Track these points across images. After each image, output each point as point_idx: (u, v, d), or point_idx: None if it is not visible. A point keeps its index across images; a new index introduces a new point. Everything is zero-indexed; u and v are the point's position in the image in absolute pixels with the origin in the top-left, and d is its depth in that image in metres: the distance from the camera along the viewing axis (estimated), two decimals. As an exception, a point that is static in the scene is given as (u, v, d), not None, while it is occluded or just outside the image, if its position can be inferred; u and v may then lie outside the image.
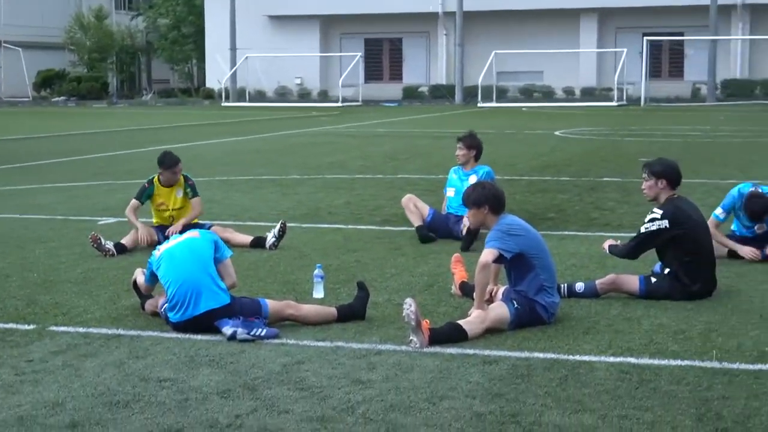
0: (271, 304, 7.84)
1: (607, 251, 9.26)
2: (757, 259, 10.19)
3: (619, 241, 9.32)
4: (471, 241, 11.18)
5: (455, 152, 12.32)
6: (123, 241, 11.14)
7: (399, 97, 58.88)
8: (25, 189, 17.06)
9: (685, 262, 8.61)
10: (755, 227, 10.49)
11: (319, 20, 62.38)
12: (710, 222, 9.81)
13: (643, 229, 8.79)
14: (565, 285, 8.72)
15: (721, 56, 54.27)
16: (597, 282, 8.79)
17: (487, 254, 7.74)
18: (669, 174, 8.82)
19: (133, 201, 11.60)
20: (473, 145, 12.22)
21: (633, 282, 8.73)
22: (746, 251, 10.26)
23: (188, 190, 11.70)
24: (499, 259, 7.81)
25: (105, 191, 16.72)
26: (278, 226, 11.30)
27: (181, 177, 11.67)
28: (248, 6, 60.62)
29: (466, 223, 11.47)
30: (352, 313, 7.99)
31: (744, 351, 7.11)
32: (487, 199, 7.98)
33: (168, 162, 11.55)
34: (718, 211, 10.47)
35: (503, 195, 8.08)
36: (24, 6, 69.81)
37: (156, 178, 11.67)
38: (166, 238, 10.50)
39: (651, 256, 9.21)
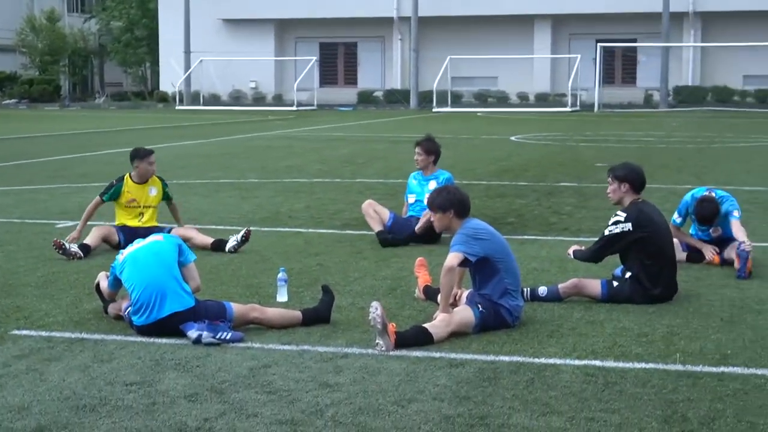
0: (236, 308, 7.82)
1: (572, 256, 9.33)
2: (716, 260, 10.30)
3: (583, 247, 9.40)
4: (405, 243, 11.45)
5: (414, 157, 12.32)
6: (86, 242, 11.08)
7: (354, 101, 58.91)
8: (-20, 192, 16.89)
9: (646, 265, 8.69)
10: (710, 230, 10.60)
11: (273, 24, 62.26)
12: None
13: (606, 232, 8.87)
14: (528, 289, 8.77)
15: (673, 63, 54.83)
16: (559, 286, 8.85)
17: (453, 258, 7.76)
18: (632, 178, 8.91)
19: (96, 198, 11.60)
20: (432, 149, 12.24)
21: (595, 286, 8.80)
22: (708, 250, 10.37)
23: (167, 190, 11.90)
24: (464, 263, 7.83)
25: (61, 194, 16.58)
26: (242, 232, 11.28)
27: (156, 177, 11.76)
28: (202, 9, 60.35)
29: (422, 222, 11.53)
30: (317, 316, 7.99)
31: (706, 354, 7.19)
32: (452, 203, 8.00)
33: (143, 152, 11.67)
34: (674, 215, 10.59)
35: (468, 199, 8.10)
36: (-25, 8, 69.11)
37: (127, 175, 11.65)
38: (130, 240, 10.50)
39: (612, 260, 9.30)
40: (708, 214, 10.33)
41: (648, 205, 8.99)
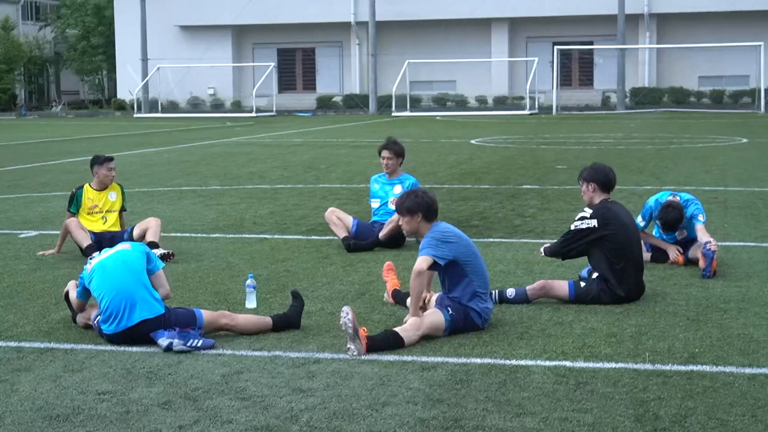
0: (206, 315, 7.81)
1: (543, 254, 9.42)
2: (680, 261, 10.39)
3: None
4: (370, 248, 11.46)
5: (382, 161, 12.26)
6: (87, 243, 11.17)
7: (313, 106, 58.89)
8: (-60, 203, 16.72)
9: (612, 264, 8.77)
10: (676, 234, 10.68)
11: (231, 30, 62.08)
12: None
13: (572, 227, 9.00)
14: (496, 291, 8.81)
15: (629, 65, 55.22)
16: (527, 288, 8.91)
17: (422, 262, 7.80)
18: (596, 177, 9.04)
19: (67, 214, 11.75)
20: (400, 152, 12.23)
21: (562, 287, 8.86)
22: (672, 250, 10.46)
23: (124, 198, 11.99)
24: (433, 266, 7.87)
25: (22, 204, 16.46)
26: (166, 251, 11.05)
27: (116, 184, 11.92)
28: (159, 16, 60.07)
29: (387, 230, 11.55)
30: (287, 322, 7.99)
31: (675, 353, 7.26)
32: (419, 206, 8.03)
33: (102, 158, 11.85)
34: (638, 219, 10.64)
35: (436, 202, 8.14)
36: (-72, 16, 68.37)
37: (87, 184, 11.84)
38: (99, 244, 10.59)
39: (579, 262, 9.39)
40: (672, 220, 10.38)
41: (616, 204, 9.11)
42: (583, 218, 8.91)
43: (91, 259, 8.13)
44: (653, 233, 10.88)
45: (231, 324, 7.85)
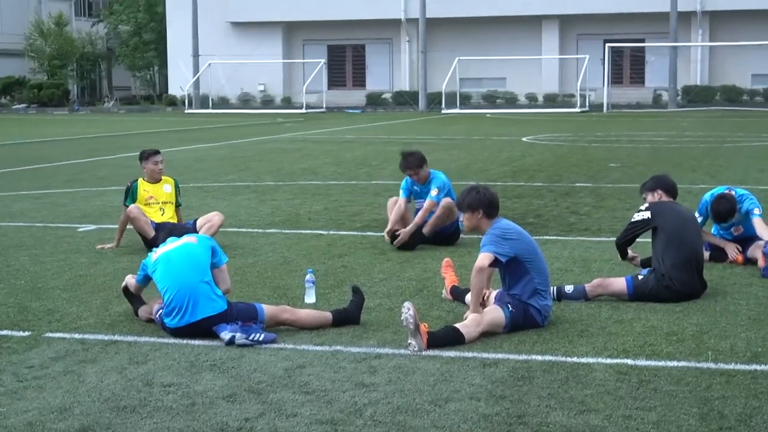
0: (267, 309, 7.88)
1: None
2: (739, 260, 10.32)
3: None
4: (415, 245, 11.39)
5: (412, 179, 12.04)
6: (148, 232, 11.35)
7: (362, 103, 58.98)
8: (-2, 196, 16.95)
9: (667, 255, 8.81)
10: (732, 229, 10.62)
11: (281, 27, 62.32)
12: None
13: (631, 220, 9.35)
14: (554, 287, 8.80)
15: (681, 63, 54.80)
16: (585, 285, 8.91)
17: (483, 258, 7.81)
18: (661, 184, 9.52)
19: (123, 208, 11.84)
20: (419, 163, 11.86)
21: (620, 283, 8.90)
22: (731, 248, 10.40)
23: (178, 193, 12.10)
24: (494, 263, 7.88)
25: (80, 198, 16.65)
26: None
27: (168, 177, 12.08)
28: (210, 12, 60.41)
29: (421, 216, 11.52)
30: (347, 317, 8.04)
31: (737, 352, 7.23)
32: (481, 203, 8.04)
33: (147, 153, 12.01)
34: (695, 215, 10.59)
35: (497, 199, 8.14)
36: (-17, 13, 69.23)
37: (141, 178, 11.96)
38: (165, 232, 10.71)
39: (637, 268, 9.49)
40: (723, 210, 10.30)
41: (675, 203, 9.36)
42: (639, 211, 9.27)
43: (155, 248, 8.21)
44: (712, 231, 10.82)
45: (292, 319, 7.91)
